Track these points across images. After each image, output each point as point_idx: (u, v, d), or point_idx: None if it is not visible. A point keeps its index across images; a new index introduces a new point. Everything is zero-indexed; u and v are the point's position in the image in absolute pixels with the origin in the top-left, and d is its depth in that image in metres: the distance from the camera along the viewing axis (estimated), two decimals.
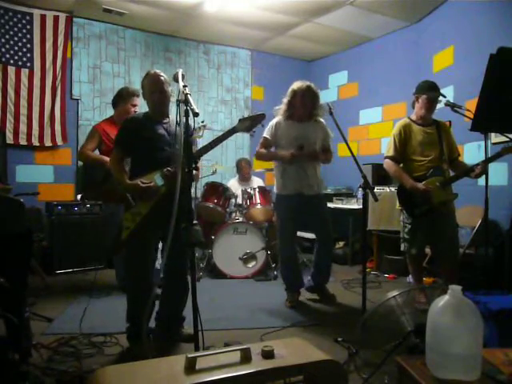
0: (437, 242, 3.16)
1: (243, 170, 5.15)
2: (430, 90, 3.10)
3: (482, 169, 2.82)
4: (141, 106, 3.54)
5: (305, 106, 3.21)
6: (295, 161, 3.17)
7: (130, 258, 2.46)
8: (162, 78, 2.41)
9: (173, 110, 2.15)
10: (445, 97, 3.12)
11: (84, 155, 3.58)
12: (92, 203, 4.46)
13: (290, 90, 3.26)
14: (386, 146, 3.29)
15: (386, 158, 3.23)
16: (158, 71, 2.46)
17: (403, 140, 3.16)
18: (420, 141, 3.13)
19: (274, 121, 3.34)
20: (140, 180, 2.33)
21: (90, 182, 3.69)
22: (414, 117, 3.24)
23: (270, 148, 3.37)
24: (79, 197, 4.52)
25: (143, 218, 2.33)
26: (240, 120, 2.49)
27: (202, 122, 3.96)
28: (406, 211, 3.20)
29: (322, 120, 3.34)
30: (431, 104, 3.11)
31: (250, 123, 2.46)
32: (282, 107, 3.31)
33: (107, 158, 3.50)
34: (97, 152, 3.64)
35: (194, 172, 2.49)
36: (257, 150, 3.38)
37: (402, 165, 3.22)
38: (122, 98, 3.59)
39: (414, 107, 3.25)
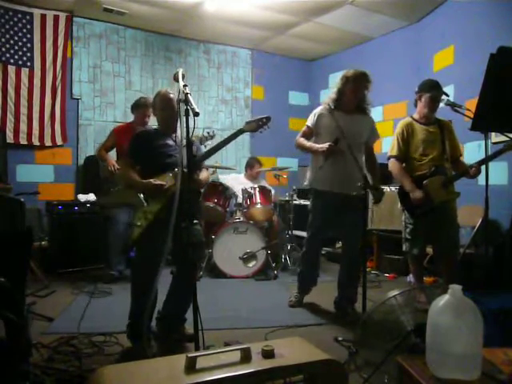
0: (438, 241, 3.16)
1: (254, 170, 5.13)
2: (433, 89, 3.08)
3: (476, 171, 2.85)
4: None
5: (356, 94, 2.96)
6: (331, 155, 2.90)
7: (140, 255, 2.47)
8: (171, 95, 2.56)
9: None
10: (448, 95, 3.11)
11: (98, 153, 4.21)
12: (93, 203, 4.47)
13: (341, 76, 3.02)
14: (390, 146, 3.28)
15: (390, 157, 3.22)
16: (168, 90, 2.62)
17: (406, 139, 3.15)
18: (422, 139, 3.12)
19: (318, 109, 3.14)
20: (153, 179, 2.41)
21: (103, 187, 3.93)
22: (416, 116, 3.22)
23: (310, 137, 3.13)
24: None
25: (155, 215, 2.36)
26: (247, 122, 2.56)
27: (212, 131, 3.93)
28: (407, 211, 3.19)
29: (371, 115, 3.14)
30: (434, 103, 3.10)
31: (256, 125, 2.50)
32: (330, 95, 3.06)
33: (111, 161, 4.00)
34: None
35: (205, 175, 2.61)
36: (296, 138, 3.18)
37: (404, 164, 3.21)
38: (137, 106, 4.04)
39: (416, 106, 3.23)
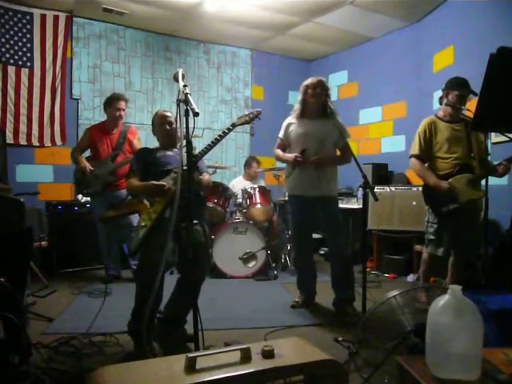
0: (458, 242, 3.05)
1: (251, 169, 5.13)
2: (461, 87, 2.99)
3: (505, 168, 2.78)
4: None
5: (316, 99, 3.07)
6: (298, 165, 3.10)
7: (144, 255, 2.46)
8: (169, 113, 2.69)
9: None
10: (476, 95, 2.87)
11: (72, 155, 4.00)
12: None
13: (301, 86, 3.17)
14: (411, 144, 3.20)
15: (411, 156, 3.15)
16: (166, 110, 2.78)
17: (428, 138, 3.08)
18: (446, 137, 3.03)
19: (286, 120, 3.27)
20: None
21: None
22: (441, 114, 3.14)
23: (285, 148, 3.28)
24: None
25: (159, 215, 2.39)
26: (238, 117, 2.66)
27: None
28: (432, 210, 3.09)
29: (338, 118, 3.19)
30: (461, 101, 3.00)
31: (248, 118, 2.62)
32: (295, 106, 3.23)
33: (83, 163, 3.88)
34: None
35: (207, 176, 2.62)
36: (274, 150, 3.33)
37: (427, 163, 3.14)
38: (108, 103, 3.96)
39: (441, 103, 3.14)
